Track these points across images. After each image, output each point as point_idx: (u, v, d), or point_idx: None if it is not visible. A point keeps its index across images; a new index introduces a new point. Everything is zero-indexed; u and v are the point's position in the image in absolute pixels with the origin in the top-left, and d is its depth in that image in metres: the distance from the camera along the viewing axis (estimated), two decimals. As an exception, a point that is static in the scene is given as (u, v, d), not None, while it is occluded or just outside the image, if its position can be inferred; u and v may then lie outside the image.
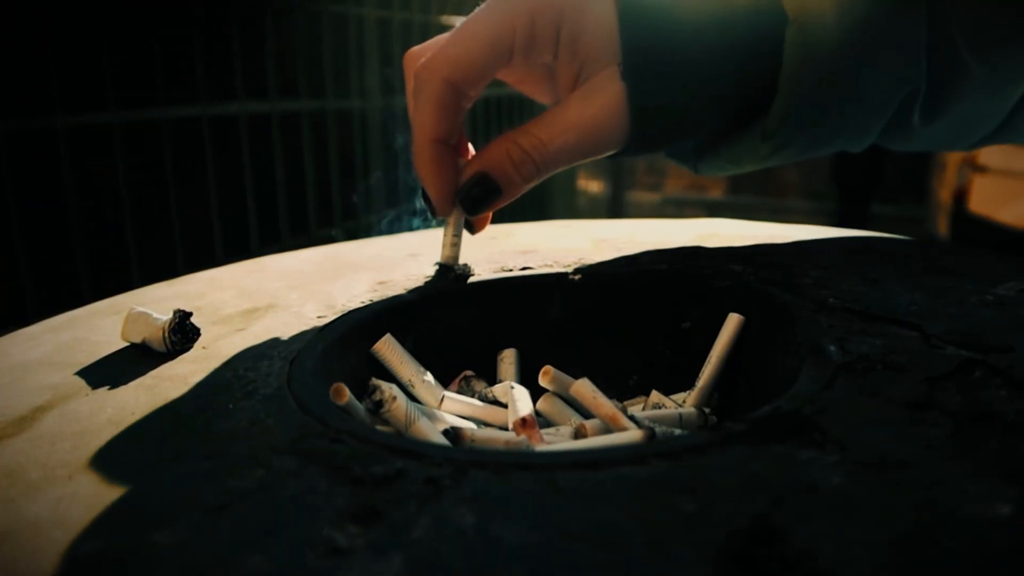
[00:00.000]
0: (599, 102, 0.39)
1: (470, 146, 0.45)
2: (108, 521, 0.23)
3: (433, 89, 0.39)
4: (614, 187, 4.18)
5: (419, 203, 0.45)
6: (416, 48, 0.44)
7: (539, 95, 0.47)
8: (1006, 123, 0.45)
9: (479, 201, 0.41)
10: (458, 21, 0.41)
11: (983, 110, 0.43)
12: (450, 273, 0.46)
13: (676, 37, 0.39)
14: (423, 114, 0.40)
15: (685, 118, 0.41)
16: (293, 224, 1.43)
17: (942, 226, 3.73)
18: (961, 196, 3.47)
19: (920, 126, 0.43)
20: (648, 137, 0.40)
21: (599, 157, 0.41)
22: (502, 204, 0.41)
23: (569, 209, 2.98)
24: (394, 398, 0.33)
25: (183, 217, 1.17)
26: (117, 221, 1.07)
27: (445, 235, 0.45)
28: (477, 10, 0.40)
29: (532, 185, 0.41)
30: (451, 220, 0.45)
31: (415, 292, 0.44)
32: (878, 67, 0.40)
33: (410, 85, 0.43)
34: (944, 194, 3.80)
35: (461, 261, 0.46)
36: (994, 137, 0.46)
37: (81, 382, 0.34)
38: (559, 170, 0.41)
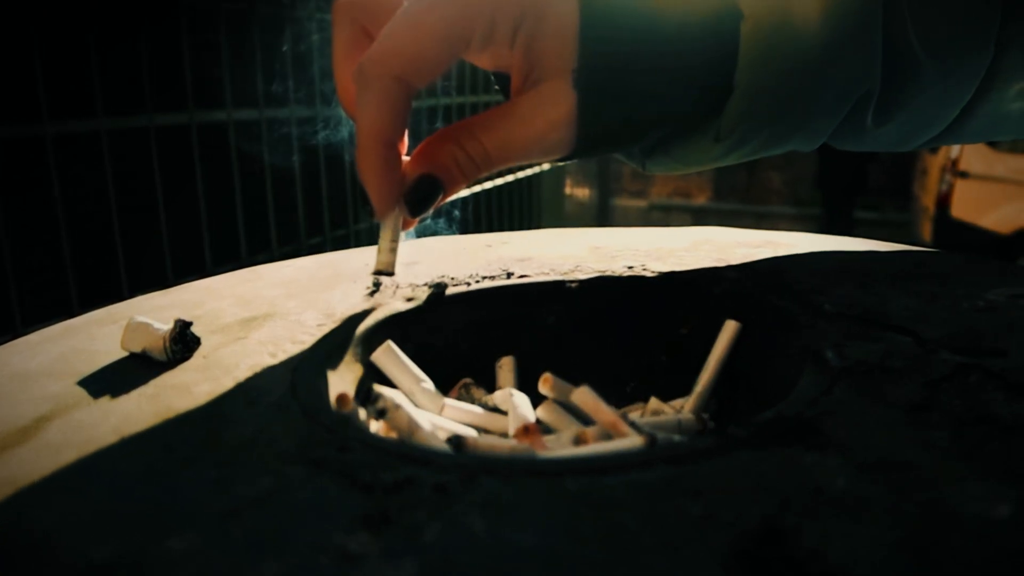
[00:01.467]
0: (548, 112, 0.37)
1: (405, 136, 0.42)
2: (120, 528, 0.23)
3: (384, 88, 0.36)
4: (601, 193, 4.20)
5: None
6: None
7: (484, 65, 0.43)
8: (954, 125, 0.45)
9: (423, 202, 0.39)
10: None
11: (934, 112, 0.43)
12: (387, 282, 0.43)
13: (635, 50, 0.37)
14: (373, 116, 0.36)
15: (636, 128, 0.40)
16: (282, 232, 1.43)
17: (926, 232, 3.78)
18: (944, 202, 3.52)
19: (872, 127, 0.44)
20: (595, 146, 0.40)
21: (542, 161, 0.41)
22: (442, 204, 0.40)
23: (557, 214, 2.99)
24: (397, 406, 0.33)
25: (172, 225, 1.17)
26: (106, 229, 1.06)
27: (382, 240, 0.42)
28: None
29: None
30: (389, 223, 0.42)
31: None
32: (836, 65, 0.39)
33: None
34: (927, 200, 3.85)
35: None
36: (941, 138, 0.47)
37: (82, 391, 0.34)
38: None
